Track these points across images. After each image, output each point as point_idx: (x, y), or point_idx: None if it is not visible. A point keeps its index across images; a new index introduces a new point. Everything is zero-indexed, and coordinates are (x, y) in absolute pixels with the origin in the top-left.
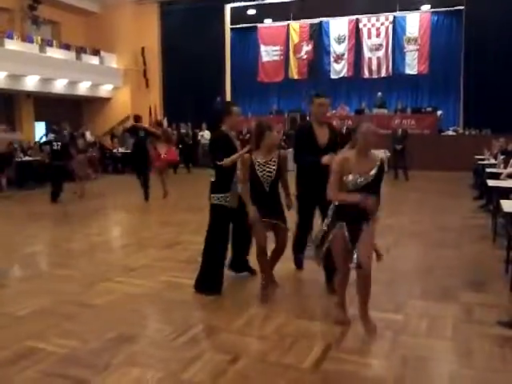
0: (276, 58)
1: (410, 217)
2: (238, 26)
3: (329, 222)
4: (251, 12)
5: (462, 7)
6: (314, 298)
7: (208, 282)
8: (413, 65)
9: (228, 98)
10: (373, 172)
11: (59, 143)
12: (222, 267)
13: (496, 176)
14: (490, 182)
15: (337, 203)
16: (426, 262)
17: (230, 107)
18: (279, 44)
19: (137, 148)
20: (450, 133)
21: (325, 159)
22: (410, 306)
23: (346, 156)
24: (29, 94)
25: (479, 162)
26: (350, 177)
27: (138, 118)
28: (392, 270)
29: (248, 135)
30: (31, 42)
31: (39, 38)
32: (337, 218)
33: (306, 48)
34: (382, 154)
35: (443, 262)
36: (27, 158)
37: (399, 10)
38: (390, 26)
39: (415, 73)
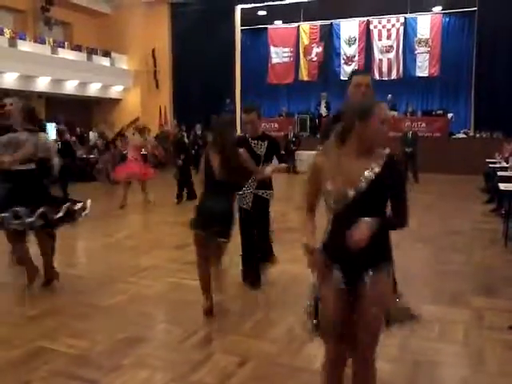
0: (286, 59)
1: (420, 220)
2: (248, 27)
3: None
4: (261, 13)
5: (474, 9)
6: None
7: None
8: (424, 67)
9: (238, 99)
10: (368, 174)
11: (59, 142)
12: None
13: (507, 179)
14: (502, 186)
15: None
16: (437, 266)
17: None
18: (289, 45)
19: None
20: (461, 136)
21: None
22: (420, 311)
23: (325, 154)
24: (40, 95)
25: (490, 166)
26: (329, 186)
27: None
28: (402, 274)
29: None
30: (43, 43)
31: (51, 39)
32: (329, 256)
33: (317, 50)
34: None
35: (454, 266)
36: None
37: (410, 12)
38: (401, 28)
39: (426, 75)
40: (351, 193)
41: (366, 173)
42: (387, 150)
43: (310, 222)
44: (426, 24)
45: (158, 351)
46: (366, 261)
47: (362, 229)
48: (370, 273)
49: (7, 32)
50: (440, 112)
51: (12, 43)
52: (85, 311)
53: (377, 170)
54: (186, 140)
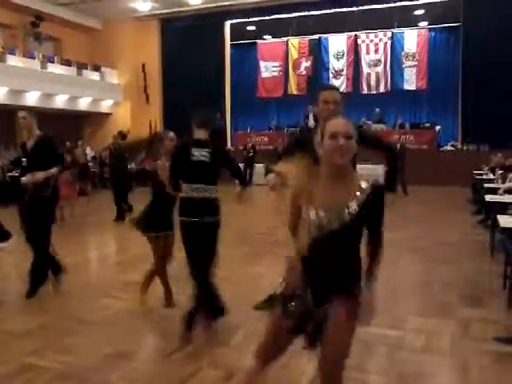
0: (275, 73)
1: (409, 232)
2: (237, 42)
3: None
4: (251, 28)
5: (459, 24)
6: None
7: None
8: (411, 80)
9: (228, 113)
10: (352, 206)
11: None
12: None
13: (494, 191)
14: (488, 197)
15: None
16: (424, 278)
17: None
18: (278, 60)
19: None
20: (449, 148)
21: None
22: (407, 322)
23: (304, 178)
24: (30, 109)
25: (477, 177)
26: (311, 215)
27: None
28: (389, 286)
29: (252, 151)
30: (33, 58)
31: (41, 54)
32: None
33: (305, 64)
34: (379, 169)
35: (441, 277)
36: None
37: (397, 27)
38: (389, 42)
39: (414, 88)
40: (335, 224)
41: (352, 204)
42: (371, 181)
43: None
44: (412, 38)
45: (145, 365)
46: (334, 286)
47: (369, 301)
48: (339, 299)
49: None
50: (428, 125)
51: (1, 58)
52: (72, 326)
53: (361, 200)
54: None
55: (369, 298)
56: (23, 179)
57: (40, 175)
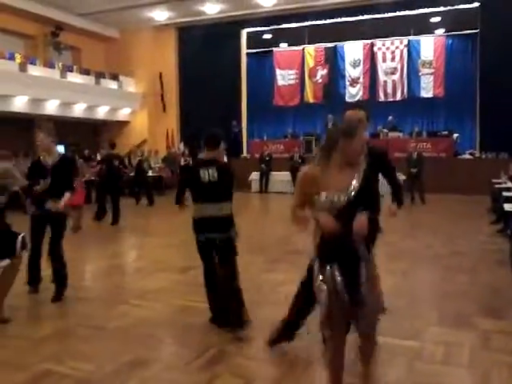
0: (291, 81)
1: (426, 241)
2: (253, 50)
3: (316, 267)
4: (267, 36)
5: (476, 30)
6: None
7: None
8: (428, 88)
9: (244, 121)
10: (354, 183)
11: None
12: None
13: None
14: (507, 206)
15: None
16: (443, 288)
17: None
18: (295, 68)
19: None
20: (467, 156)
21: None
22: (426, 333)
23: (313, 171)
24: (49, 118)
25: (496, 186)
26: (324, 196)
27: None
28: (408, 296)
29: (268, 159)
30: (53, 67)
31: (60, 63)
32: (324, 258)
33: (322, 72)
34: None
35: (460, 287)
36: None
37: (413, 34)
38: (405, 50)
39: (431, 96)
40: (342, 199)
41: (354, 182)
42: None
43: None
44: (429, 46)
45: (163, 373)
46: (358, 256)
47: (362, 220)
48: (364, 263)
49: (18, 57)
50: (445, 133)
51: (22, 68)
52: (90, 333)
53: (360, 178)
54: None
55: (363, 216)
56: (49, 206)
57: (62, 204)
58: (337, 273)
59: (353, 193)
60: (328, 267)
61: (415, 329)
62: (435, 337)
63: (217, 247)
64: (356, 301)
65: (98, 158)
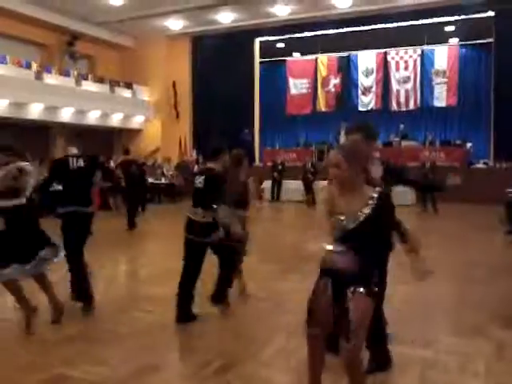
0: (304, 90)
1: (440, 250)
2: (266, 59)
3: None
4: (280, 46)
5: (490, 40)
6: None
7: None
8: (441, 97)
9: (256, 130)
10: (365, 210)
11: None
12: None
13: None
14: None
15: None
16: (456, 298)
17: None
18: (307, 77)
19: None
20: (481, 166)
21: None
22: (439, 342)
23: (331, 189)
24: (64, 126)
25: (510, 195)
26: (337, 217)
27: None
28: (421, 305)
29: (281, 167)
30: (68, 75)
31: (75, 72)
32: (321, 271)
33: (334, 81)
34: None
35: (473, 297)
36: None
37: (427, 44)
38: (418, 59)
39: (444, 105)
40: (352, 225)
41: (364, 209)
42: (378, 188)
43: None
44: (443, 55)
45: (174, 380)
46: (352, 276)
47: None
48: (356, 288)
49: (34, 65)
50: (459, 142)
51: (38, 76)
52: (103, 338)
53: (371, 205)
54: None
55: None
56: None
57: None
58: (329, 286)
59: (361, 219)
60: (324, 279)
61: (429, 338)
62: (449, 346)
63: (193, 248)
64: (340, 309)
65: (112, 164)
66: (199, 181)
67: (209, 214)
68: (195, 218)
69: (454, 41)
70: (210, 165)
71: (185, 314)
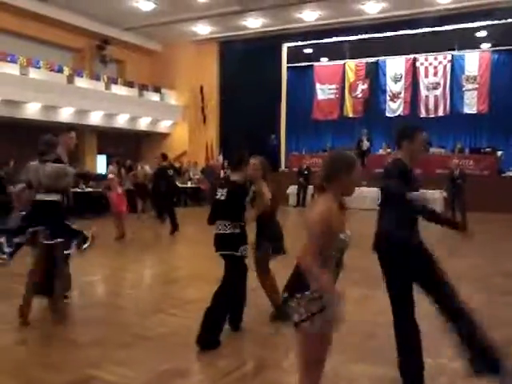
0: (331, 96)
1: (470, 260)
2: (294, 64)
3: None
4: (308, 51)
5: None
6: (372, 340)
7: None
8: (472, 104)
9: (283, 135)
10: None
11: None
12: None
13: None
14: None
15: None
16: (488, 309)
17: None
18: (335, 82)
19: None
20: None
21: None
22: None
23: (331, 206)
24: (93, 129)
25: None
26: (343, 236)
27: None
28: None
29: (307, 173)
30: (98, 79)
31: (105, 75)
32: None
33: (362, 86)
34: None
35: (506, 309)
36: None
37: (458, 49)
38: (448, 65)
39: (474, 112)
40: (348, 243)
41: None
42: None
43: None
44: (474, 61)
45: None
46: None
47: None
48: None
49: (66, 70)
50: (489, 150)
51: (70, 80)
52: (129, 341)
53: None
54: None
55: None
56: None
57: None
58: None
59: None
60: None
61: (458, 349)
62: None
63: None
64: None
65: (139, 168)
66: (221, 193)
67: (230, 226)
68: (220, 231)
69: (486, 46)
70: (233, 177)
71: (207, 338)
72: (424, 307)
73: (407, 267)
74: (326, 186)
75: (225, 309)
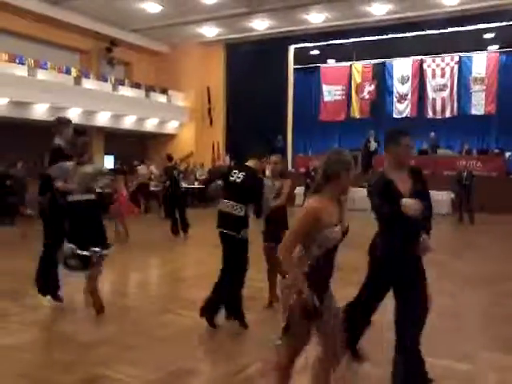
0: (338, 97)
1: (477, 262)
2: (301, 66)
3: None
4: (314, 53)
5: None
6: (376, 341)
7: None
8: (479, 105)
9: (289, 136)
10: (345, 222)
11: None
12: None
13: None
14: None
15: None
16: (492, 311)
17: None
18: (342, 84)
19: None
20: None
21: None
22: (476, 356)
23: (323, 203)
24: (100, 129)
25: None
26: (336, 230)
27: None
28: (457, 317)
29: (313, 174)
30: (105, 81)
31: (113, 77)
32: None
33: (369, 88)
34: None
35: (510, 311)
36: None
37: (465, 51)
38: (456, 67)
39: (482, 113)
40: (340, 236)
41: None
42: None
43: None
44: (481, 62)
45: None
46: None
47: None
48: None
49: (74, 71)
50: (497, 151)
51: (77, 81)
52: (138, 341)
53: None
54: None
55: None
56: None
57: None
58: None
59: (345, 228)
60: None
61: (465, 352)
62: (487, 361)
63: (226, 243)
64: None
65: (154, 170)
66: (238, 176)
67: (243, 209)
68: (227, 210)
69: (494, 48)
70: (249, 164)
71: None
72: (432, 308)
73: (386, 279)
74: (324, 186)
75: (237, 285)
